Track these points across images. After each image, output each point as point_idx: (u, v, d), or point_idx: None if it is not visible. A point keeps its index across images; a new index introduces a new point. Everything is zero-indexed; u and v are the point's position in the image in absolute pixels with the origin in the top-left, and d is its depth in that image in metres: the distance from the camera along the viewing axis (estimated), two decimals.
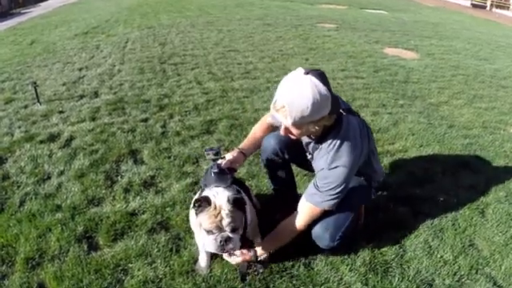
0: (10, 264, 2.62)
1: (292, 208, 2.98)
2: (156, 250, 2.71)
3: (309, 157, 2.66)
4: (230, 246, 2.11)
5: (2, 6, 19.32)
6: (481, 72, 7.79)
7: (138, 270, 2.55)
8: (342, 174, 2.18)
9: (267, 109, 5.07)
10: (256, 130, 2.85)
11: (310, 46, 9.03)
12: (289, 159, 2.85)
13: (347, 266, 2.63)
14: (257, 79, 6.48)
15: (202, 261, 2.56)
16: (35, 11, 19.03)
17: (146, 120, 4.78)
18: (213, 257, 2.61)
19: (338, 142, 2.20)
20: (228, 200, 2.13)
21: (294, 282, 2.51)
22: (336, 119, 2.22)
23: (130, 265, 2.59)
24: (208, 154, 2.53)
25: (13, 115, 4.96)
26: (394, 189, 3.48)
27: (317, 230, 2.47)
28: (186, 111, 5.04)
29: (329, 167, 2.19)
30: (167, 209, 3.15)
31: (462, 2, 31.72)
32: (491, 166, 3.99)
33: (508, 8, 29.44)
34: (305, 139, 2.45)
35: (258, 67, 7.18)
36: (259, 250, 2.48)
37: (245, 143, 2.79)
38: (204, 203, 2.13)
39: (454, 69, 7.86)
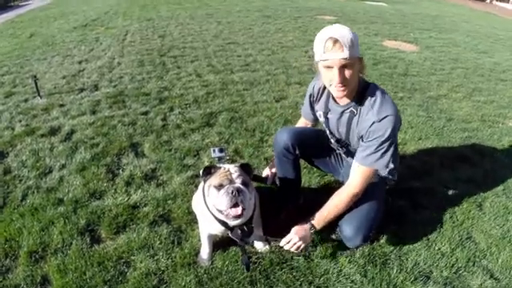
0: (14, 258, 2.65)
1: (293, 204, 3.04)
2: (158, 242, 2.74)
3: (335, 145, 2.77)
4: (242, 198, 2.13)
5: None
6: (480, 65, 7.81)
7: (141, 262, 2.58)
8: (391, 124, 2.24)
9: (267, 101, 5.14)
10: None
11: (309, 38, 8.99)
12: (300, 155, 2.87)
13: (346, 257, 2.66)
14: (256, 72, 6.48)
15: (204, 253, 2.59)
16: (34, 3, 18.93)
17: (146, 113, 4.79)
18: (214, 249, 2.64)
19: (379, 95, 2.31)
20: (235, 165, 2.27)
21: (294, 273, 2.54)
22: (366, 82, 2.39)
23: (133, 257, 2.62)
24: (214, 151, 2.57)
25: (13, 109, 4.97)
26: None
27: (349, 232, 2.48)
28: (186, 104, 5.06)
29: (379, 118, 2.25)
30: (168, 201, 3.17)
31: None
32: (489, 159, 4.02)
33: (508, 1, 29.34)
34: (339, 108, 2.49)
35: (258, 60, 7.19)
36: (316, 225, 2.44)
37: None
38: (212, 169, 2.26)
39: (453, 62, 7.87)
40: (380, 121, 2.25)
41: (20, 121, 4.62)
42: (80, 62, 7.07)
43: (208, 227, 2.44)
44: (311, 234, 2.41)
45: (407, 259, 2.69)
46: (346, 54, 2.10)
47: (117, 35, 9.29)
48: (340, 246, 2.72)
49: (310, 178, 3.47)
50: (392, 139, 2.28)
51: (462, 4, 25.36)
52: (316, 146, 2.87)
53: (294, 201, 3.05)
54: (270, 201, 2.96)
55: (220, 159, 2.70)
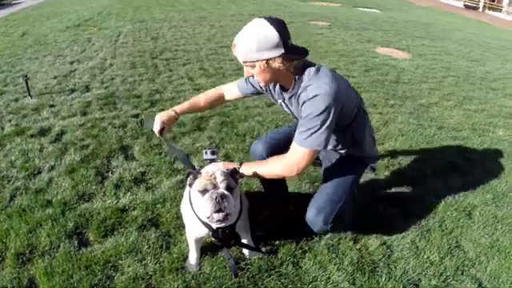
0: (1, 259, 2.62)
1: (281, 207, 3.03)
2: (146, 246, 2.72)
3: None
4: (226, 204, 2.08)
5: None
6: (471, 74, 7.87)
7: (128, 266, 2.56)
8: (322, 102, 2.13)
9: (258, 106, 5.14)
10: (201, 100, 2.83)
11: (301, 43, 8.97)
12: None
13: (335, 265, 2.66)
14: None
15: (192, 258, 2.57)
16: (27, 2, 18.88)
17: (137, 116, 4.76)
18: (202, 254, 2.63)
19: (314, 76, 2.21)
20: (219, 168, 2.24)
21: (283, 280, 2.53)
22: (308, 64, 2.27)
23: (120, 261, 2.60)
24: (206, 153, 2.55)
25: (3, 108, 4.93)
26: (383, 189, 3.53)
27: (310, 215, 2.47)
28: None
29: (308, 98, 2.17)
30: (157, 205, 3.16)
31: (455, 3, 31.89)
32: (479, 168, 4.04)
33: (500, 10, 29.64)
34: (286, 94, 2.40)
35: None
36: (243, 169, 2.38)
37: (183, 107, 2.77)
38: (197, 174, 2.21)
39: (445, 70, 7.93)
40: (310, 100, 2.17)
41: (10, 120, 4.58)
42: (72, 63, 7.05)
43: (193, 229, 2.41)
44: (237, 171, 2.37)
45: (396, 267, 2.69)
46: (240, 58, 2.17)
47: (109, 36, 9.27)
48: (329, 253, 2.73)
49: (301, 184, 3.48)
50: (324, 119, 2.16)
51: (455, 12, 25.58)
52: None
53: (282, 204, 3.06)
54: (256, 203, 2.94)
55: (211, 162, 2.68)
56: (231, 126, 4.57)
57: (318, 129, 2.17)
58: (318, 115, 2.14)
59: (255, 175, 2.40)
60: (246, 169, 2.37)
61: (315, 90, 2.15)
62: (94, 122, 4.54)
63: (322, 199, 2.48)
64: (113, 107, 5.02)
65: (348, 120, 2.39)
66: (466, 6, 31.77)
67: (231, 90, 2.84)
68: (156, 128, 2.66)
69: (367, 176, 3.70)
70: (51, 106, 5.03)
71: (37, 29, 10.61)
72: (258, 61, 2.12)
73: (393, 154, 4.16)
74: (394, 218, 3.16)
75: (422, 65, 8.19)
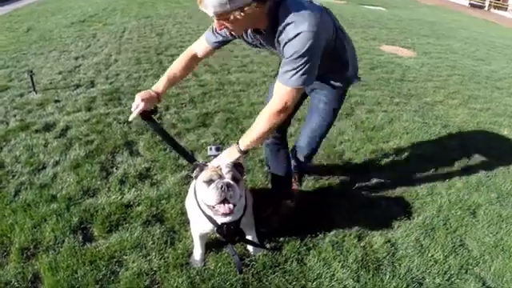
0: (5, 254, 2.62)
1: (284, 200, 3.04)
2: (151, 242, 2.72)
3: None
4: (231, 193, 2.06)
5: None
6: (477, 72, 7.84)
7: (133, 262, 2.56)
8: (305, 39, 2.01)
9: (263, 103, 5.08)
10: (176, 70, 2.67)
11: None
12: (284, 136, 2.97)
13: (339, 262, 2.66)
14: (253, 73, 6.48)
15: (197, 254, 2.58)
16: None
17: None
18: (207, 250, 2.63)
19: (291, 14, 2.04)
20: (223, 162, 2.24)
21: (287, 277, 2.54)
22: (277, 3, 2.09)
23: (125, 257, 2.61)
24: (210, 149, 2.53)
25: (8, 103, 4.92)
26: (387, 187, 3.52)
27: (301, 145, 2.92)
28: (182, 103, 5.04)
29: (289, 39, 2.04)
30: (162, 201, 3.16)
31: (461, 2, 31.78)
32: (484, 167, 4.02)
33: (506, 9, 29.53)
34: (262, 37, 2.29)
35: (255, 61, 7.17)
36: (241, 144, 2.27)
37: (160, 85, 2.59)
38: (203, 166, 2.23)
39: (450, 68, 7.90)
40: (292, 39, 2.04)
41: (15, 115, 4.58)
42: (77, 58, 7.03)
43: (198, 225, 2.41)
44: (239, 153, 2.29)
45: (400, 265, 2.69)
46: (210, 12, 1.95)
47: (114, 32, 9.25)
48: (333, 250, 2.73)
49: (304, 181, 3.47)
50: (309, 57, 2.05)
51: (461, 11, 25.51)
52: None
53: (284, 196, 3.09)
54: (260, 200, 2.93)
55: (216, 156, 2.66)
56: (236, 123, 4.57)
57: (303, 67, 2.08)
58: (301, 55, 2.04)
59: (255, 141, 2.29)
60: (243, 140, 2.27)
61: (294, 29, 2.02)
62: (99, 118, 4.54)
63: (312, 134, 2.82)
64: (118, 103, 5.02)
65: (329, 47, 2.27)
66: (472, 5, 31.66)
67: (200, 47, 2.63)
68: (136, 108, 2.41)
69: (371, 174, 3.70)
70: (56, 101, 5.02)
71: (42, 24, 10.60)
72: (232, 11, 1.92)
73: (397, 151, 4.15)
74: (397, 216, 3.16)
75: (427, 63, 8.17)
